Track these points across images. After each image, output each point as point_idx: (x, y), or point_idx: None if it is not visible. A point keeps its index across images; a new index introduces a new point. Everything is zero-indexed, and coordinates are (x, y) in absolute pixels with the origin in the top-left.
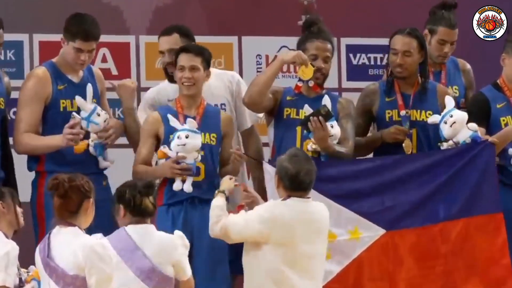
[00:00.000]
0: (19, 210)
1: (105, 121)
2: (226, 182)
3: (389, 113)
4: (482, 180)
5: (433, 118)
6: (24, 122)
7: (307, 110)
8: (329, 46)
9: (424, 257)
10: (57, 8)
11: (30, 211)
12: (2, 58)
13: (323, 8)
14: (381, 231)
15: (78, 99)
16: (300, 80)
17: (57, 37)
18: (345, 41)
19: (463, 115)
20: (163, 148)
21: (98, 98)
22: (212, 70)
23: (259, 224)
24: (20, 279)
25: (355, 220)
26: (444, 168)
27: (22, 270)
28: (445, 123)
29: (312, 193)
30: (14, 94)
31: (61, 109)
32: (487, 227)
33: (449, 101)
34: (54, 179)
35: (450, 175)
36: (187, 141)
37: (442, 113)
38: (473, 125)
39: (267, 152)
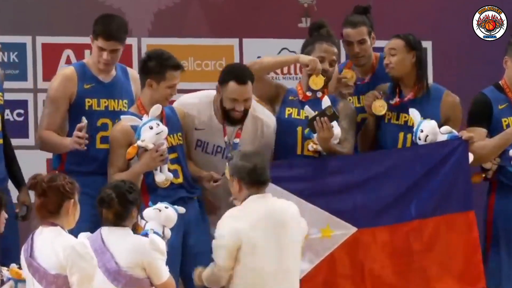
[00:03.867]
0: (3, 216)
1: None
2: None
3: (388, 114)
4: (455, 178)
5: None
6: (46, 120)
7: (307, 110)
8: (335, 50)
9: (397, 255)
10: (60, 11)
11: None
12: (6, 59)
13: (323, 11)
14: (352, 229)
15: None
16: (310, 90)
17: (60, 40)
18: None
19: (432, 125)
20: (141, 142)
21: (131, 99)
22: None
23: (227, 241)
24: (2, 280)
25: (327, 218)
26: (418, 166)
27: (3, 268)
28: (420, 139)
29: (283, 192)
30: (15, 96)
31: (87, 108)
32: (459, 225)
33: (414, 113)
34: (33, 178)
35: (423, 173)
36: (162, 128)
37: (414, 129)
38: (446, 128)
39: None
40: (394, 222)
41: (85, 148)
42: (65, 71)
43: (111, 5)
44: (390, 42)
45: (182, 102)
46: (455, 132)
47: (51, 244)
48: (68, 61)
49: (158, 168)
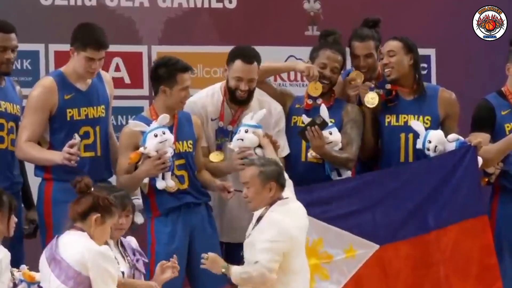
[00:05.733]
0: (13, 220)
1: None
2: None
3: (388, 117)
4: (465, 184)
5: (418, 144)
6: (28, 130)
7: (305, 119)
8: (339, 58)
9: (419, 267)
10: (72, 19)
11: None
12: (19, 67)
13: (329, 19)
14: (375, 247)
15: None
16: (310, 97)
17: None
18: None
19: (439, 135)
20: (144, 150)
21: (107, 103)
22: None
23: (280, 243)
24: (14, 283)
25: (349, 239)
26: (431, 177)
27: (14, 270)
28: (428, 150)
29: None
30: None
31: (68, 118)
32: (474, 230)
33: (417, 126)
34: (80, 176)
35: (437, 183)
36: (166, 137)
37: (421, 141)
38: (453, 136)
39: None
40: (413, 235)
41: (76, 165)
42: (45, 82)
43: (122, 14)
44: (387, 44)
45: (192, 101)
46: (461, 138)
47: (76, 243)
48: None
49: (161, 174)
